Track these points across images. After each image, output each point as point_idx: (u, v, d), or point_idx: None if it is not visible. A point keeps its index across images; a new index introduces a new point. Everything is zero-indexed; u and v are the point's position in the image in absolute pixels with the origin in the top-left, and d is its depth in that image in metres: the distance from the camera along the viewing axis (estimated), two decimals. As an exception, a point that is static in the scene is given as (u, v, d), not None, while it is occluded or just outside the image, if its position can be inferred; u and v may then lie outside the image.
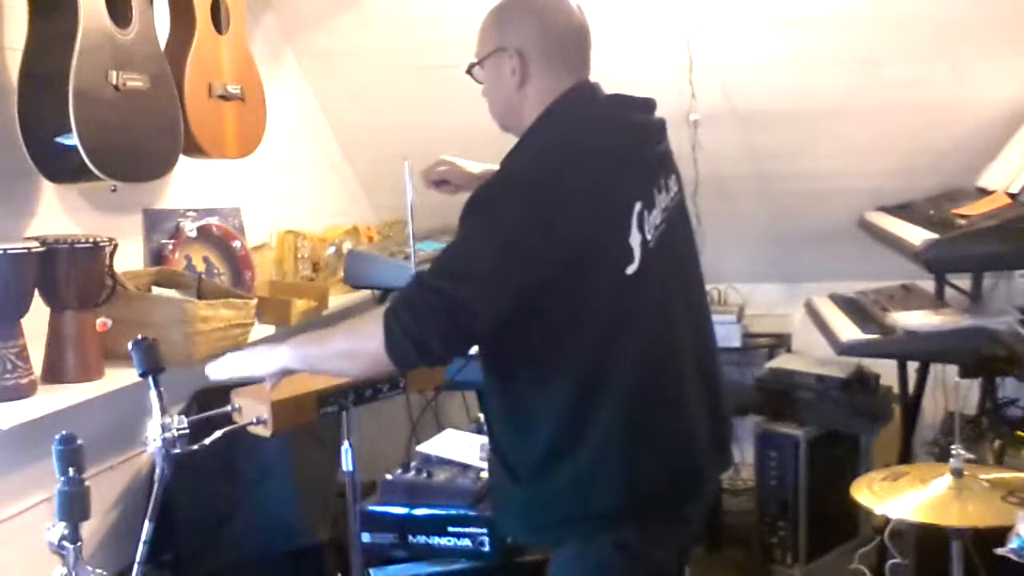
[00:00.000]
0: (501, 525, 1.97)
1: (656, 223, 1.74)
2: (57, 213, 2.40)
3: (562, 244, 1.61)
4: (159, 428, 1.66)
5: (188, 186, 2.85)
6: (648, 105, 1.86)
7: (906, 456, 3.29)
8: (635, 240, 1.68)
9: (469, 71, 1.90)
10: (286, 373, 1.77)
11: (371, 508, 2.29)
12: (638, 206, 1.70)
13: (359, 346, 1.68)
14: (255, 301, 2.65)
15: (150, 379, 1.67)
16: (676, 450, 1.74)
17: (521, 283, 1.61)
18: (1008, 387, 3.14)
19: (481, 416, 2.71)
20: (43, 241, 2.14)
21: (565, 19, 1.83)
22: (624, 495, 1.68)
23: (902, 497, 2.12)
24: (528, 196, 1.63)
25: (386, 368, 1.66)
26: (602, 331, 1.66)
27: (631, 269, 1.67)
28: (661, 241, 1.74)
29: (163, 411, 1.66)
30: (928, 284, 3.30)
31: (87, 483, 1.54)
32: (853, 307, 3.17)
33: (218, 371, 1.82)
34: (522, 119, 1.79)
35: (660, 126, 1.87)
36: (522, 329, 1.65)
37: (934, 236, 2.71)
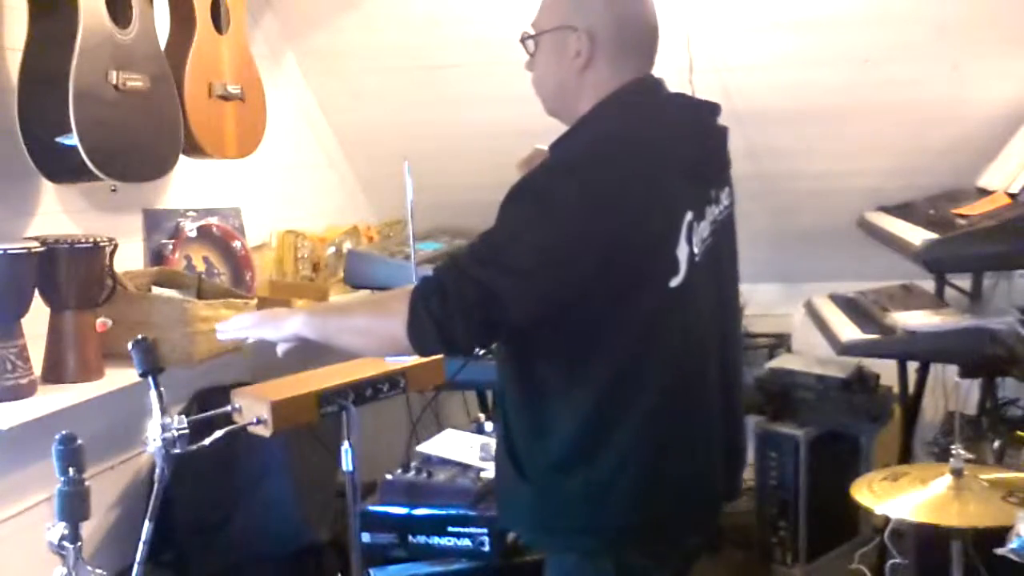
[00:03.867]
0: (504, 519, 1.92)
1: (704, 236, 1.65)
2: (57, 213, 2.40)
3: (609, 247, 1.52)
4: (159, 428, 1.66)
5: (188, 186, 2.85)
6: (713, 109, 1.76)
7: (906, 456, 3.29)
8: (683, 252, 1.59)
9: (522, 41, 1.77)
10: (299, 340, 1.70)
11: (371, 508, 2.29)
12: (689, 216, 1.60)
13: (379, 324, 1.62)
14: (255, 301, 2.65)
15: (150, 379, 1.67)
16: (693, 478, 1.67)
17: (561, 282, 1.53)
18: (1008, 387, 3.14)
19: (482, 416, 2.71)
20: (43, 241, 2.14)
21: (642, 8, 1.73)
22: (634, 514, 1.62)
23: (902, 497, 2.12)
24: (579, 190, 1.54)
25: (405, 351, 1.59)
26: (635, 343, 1.58)
27: (675, 282, 1.58)
28: (707, 256, 1.64)
29: (163, 411, 1.66)
30: (928, 284, 3.29)
31: (87, 483, 1.54)
32: (853, 307, 3.17)
33: (228, 330, 1.79)
34: (575, 105, 1.69)
35: (723, 134, 1.77)
36: (552, 328, 1.58)
37: (934, 236, 2.71)
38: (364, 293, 3.45)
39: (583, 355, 1.59)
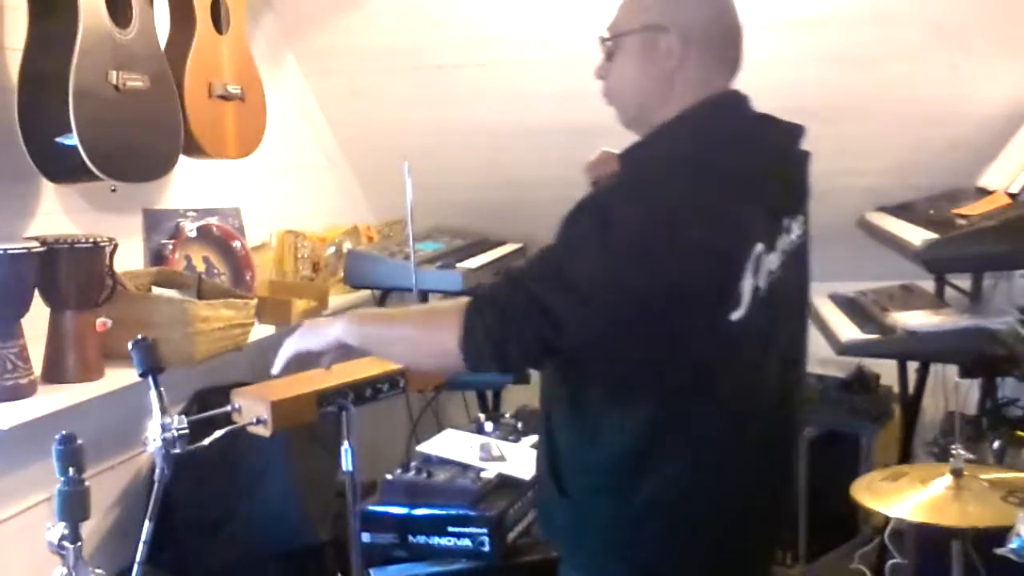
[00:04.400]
0: (544, 529, 1.82)
1: (772, 268, 1.54)
2: (57, 213, 2.40)
3: (671, 276, 1.44)
4: (159, 428, 1.65)
5: (188, 186, 2.85)
6: (797, 133, 1.65)
7: (906, 456, 3.29)
8: (747, 285, 1.49)
9: (603, 42, 1.63)
10: (342, 347, 1.64)
11: (371, 508, 2.29)
12: (758, 248, 1.50)
13: (430, 336, 1.55)
14: (255, 301, 2.65)
15: (150, 379, 1.67)
16: (735, 527, 1.58)
17: (618, 308, 1.45)
18: (1008, 387, 3.14)
19: (481, 416, 2.71)
20: (43, 241, 2.14)
21: (734, 11, 1.62)
22: (667, 554, 1.55)
23: (902, 497, 2.12)
24: (645, 214, 1.44)
25: (454, 365, 1.50)
26: (688, 375, 1.50)
27: (736, 315, 1.48)
28: (773, 289, 1.53)
29: (163, 411, 1.66)
30: (928, 284, 3.29)
31: (87, 483, 1.54)
32: (853, 307, 3.17)
33: (280, 360, 1.73)
34: (656, 112, 1.58)
35: (804, 160, 1.67)
36: (606, 350, 1.50)
37: (934, 236, 2.71)
38: (364, 293, 3.45)
39: (633, 382, 1.52)
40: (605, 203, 1.49)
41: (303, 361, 1.74)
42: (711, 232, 1.45)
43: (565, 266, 1.46)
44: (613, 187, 1.53)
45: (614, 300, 1.45)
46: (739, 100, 1.61)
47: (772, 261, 1.54)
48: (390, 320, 1.65)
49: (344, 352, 1.68)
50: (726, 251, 1.48)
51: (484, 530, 2.21)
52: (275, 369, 1.75)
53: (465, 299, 1.51)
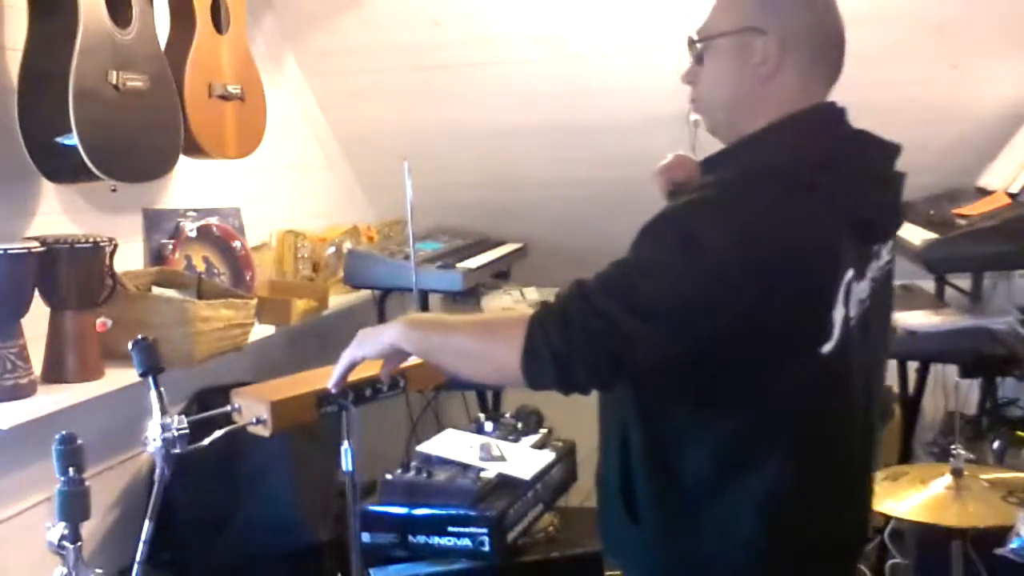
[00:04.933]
0: (611, 554, 1.71)
1: (862, 297, 1.45)
2: (57, 213, 2.39)
3: (756, 302, 1.33)
4: (159, 428, 1.65)
5: (188, 186, 2.85)
6: (893, 152, 1.54)
7: (906, 456, 3.29)
8: (838, 315, 1.39)
9: (692, 44, 1.53)
10: (396, 351, 1.58)
11: (371, 508, 2.29)
12: (849, 274, 1.41)
13: (490, 350, 1.45)
14: (255, 301, 2.65)
15: (150, 379, 1.67)
16: (821, 556, 1.52)
17: (697, 333, 1.35)
18: (1008, 387, 3.14)
19: (481, 416, 2.71)
20: (43, 241, 2.14)
21: (838, 13, 1.53)
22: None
23: (902, 497, 2.12)
24: (732, 234, 1.33)
25: (512, 383, 1.41)
26: (775, 407, 1.42)
27: (827, 348, 1.39)
28: (862, 319, 1.45)
29: (163, 411, 1.65)
30: (928, 284, 3.29)
31: (87, 483, 1.54)
32: (853, 307, 3.17)
33: (337, 376, 1.69)
34: (746, 121, 1.48)
35: (900, 181, 1.56)
36: (683, 375, 1.41)
37: (934, 236, 2.71)
38: (364, 293, 3.45)
39: (713, 410, 1.44)
40: (690, 221, 1.36)
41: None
42: (802, 258, 1.36)
43: (642, 284, 1.35)
44: (699, 203, 1.38)
45: (688, 323, 1.35)
46: (837, 114, 1.51)
47: (863, 289, 1.45)
48: (448, 328, 1.53)
49: (400, 358, 1.64)
50: (818, 278, 1.38)
51: (484, 530, 2.21)
52: (331, 382, 1.71)
53: (528, 311, 1.42)
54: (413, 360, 2.00)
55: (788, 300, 1.35)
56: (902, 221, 1.60)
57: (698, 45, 1.52)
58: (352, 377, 2.02)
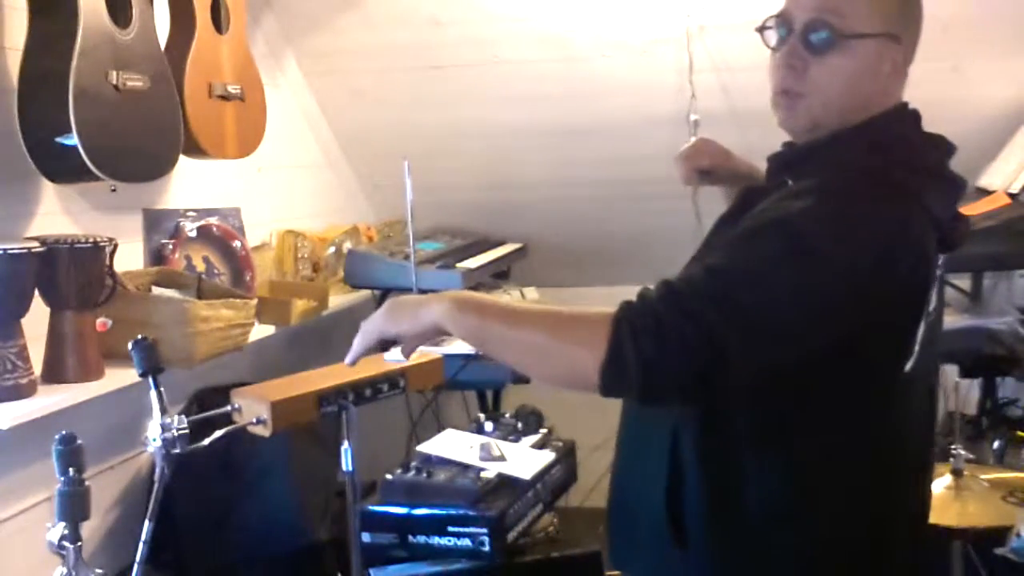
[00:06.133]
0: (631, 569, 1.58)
1: (930, 309, 1.38)
2: (57, 213, 2.40)
3: (872, 317, 1.25)
4: (159, 428, 1.65)
5: (188, 186, 2.85)
6: (953, 154, 1.47)
7: (906, 456, 3.29)
8: (920, 331, 1.33)
9: (819, 33, 1.37)
10: (436, 334, 1.41)
11: (371, 508, 2.29)
12: (931, 290, 1.35)
13: (565, 351, 1.29)
14: (255, 301, 2.65)
15: (150, 379, 1.67)
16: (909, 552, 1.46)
17: (799, 344, 1.25)
18: (1008, 387, 3.14)
19: (481, 416, 2.70)
20: (43, 241, 2.14)
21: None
22: None
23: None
24: (862, 247, 1.24)
25: (583, 387, 1.27)
26: (853, 428, 1.35)
27: (909, 366, 1.33)
28: (930, 329, 1.38)
29: (163, 411, 1.66)
30: (928, 284, 3.29)
31: (87, 483, 1.53)
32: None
33: (361, 344, 1.50)
34: (841, 121, 1.40)
35: (963, 187, 1.46)
36: (762, 393, 1.30)
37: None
38: (364, 293, 3.45)
39: (788, 428, 1.35)
40: (801, 228, 1.25)
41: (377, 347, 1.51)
42: (916, 273, 1.29)
43: (745, 294, 1.23)
44: (809, 212, 1.27)
45: (791, 334, 1.24)
46: (916, 117, 1.44)
47: (932, 300, 1.39)
48: (513, 317, 1.34)
49: (432, 336, 1.43)
50: (918, 291, 1.31)
51: (484, 530, 2.21)
52: (350, 357, 1.52)
53: (607, 311, 1.26)
54: (419, 358, 1.95)
55: (896, 317, 1.29)
56: (968, 230, 1.49)
57: (826, 36, 1.37)
58: (352, 377, 2.02)
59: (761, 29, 1.46)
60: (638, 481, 1.49)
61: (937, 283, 1.44)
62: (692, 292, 1.24)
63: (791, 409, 1.34)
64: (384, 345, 1.57)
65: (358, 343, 1.50)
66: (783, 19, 1.43)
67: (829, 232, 1.25)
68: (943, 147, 1.44)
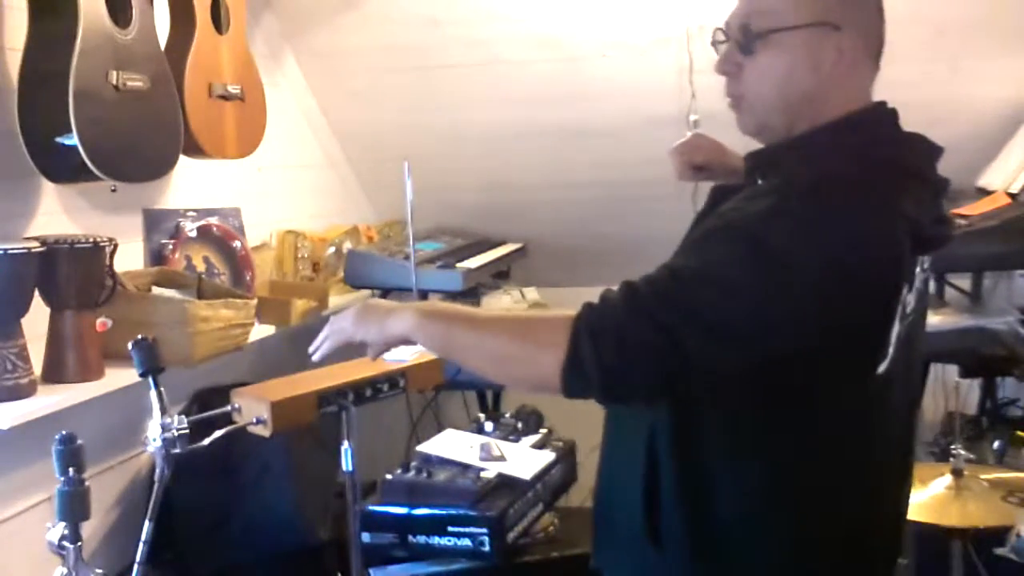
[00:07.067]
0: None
1: (909, 310, 1.36)
2: (57, 213, 2.39)
3: (837, 319, 1.24)
4: (159, 428, 1.65)
5: (188, 186, 2.85)
6: (938, 156, 1.46)
7: (906, 456, 3.29)
8: (894, 331, 1.31)
9: (742, 33, 1.37)
10: (405, 342, 1.43)
11: (371, 508, 2.29)
12: (905, 290, 1.32)
13: (527, 355, 1.30)
14: (255, 301, 2.65)
15: (150, 379, 1.67)
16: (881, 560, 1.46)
17: (760, 347, 1.24)
18: (1008, 387, 3.14)
19: (481, 416, 2.71)
20: (43, 241, 2.14)
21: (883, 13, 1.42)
22: None
23: (902, 497, 2.12)
24: (823, 248, 1.22)
25: (547, 390, 1.28)
26: (826, 430, 1.34)
27: (883, 367, 1.31)
28: (909, 331, 1.36)
29: (163, 411, 1.66)
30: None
31: (87, 483, 1.54)
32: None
33: (325, 341, 1.54)
34: (805, 121, 1.37)
35: (945, 187, 1.46)
36: (736, 395, 1.31)
37: (934, 236, 2.71)
38: (364, 293, 3.45)
39: (761, 430, 1.34)
40: (765, 231, 1.24)
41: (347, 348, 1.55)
42: (880, 274, 1.27)
43: (708, 297, 1.23)
44: (773, 212, 1.26)
45: (763, 345, 1.24)
46: (893, 116, 1.42)
47: (910, 301, 1.36)
48: (476, 325, 1.36)
49: (404, 345, 1.47)
50: (887, 291, 1.28)
51: (484, 530, 2.21)
52: (317, 355, 1.55)
53: (569, 314, 1.27)
54: (418, 359, 1.96)
55: (861, 318, 1.26)
56: (951, 231, 1.47)
57: (750, 34, 1.36)
58: (352, 377, 2.02)
59: (714, 43, 1.45)
60: (617, 482, 1.49)
61: (920, 284, 1.42)
62: (652, 293, 1.24)
63: (762, 410, 1.33)
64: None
65: (327, 344, 1.54)
66: (724, 30, 1.42)
67: (787, 234, 1.23)
68: (922, 147, 1.42)
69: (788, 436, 1.34)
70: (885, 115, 1.41)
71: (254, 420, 1.88)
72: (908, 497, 1.55)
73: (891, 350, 1.32)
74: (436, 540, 2.25)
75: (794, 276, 1.22)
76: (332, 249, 3.44)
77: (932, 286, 3.31)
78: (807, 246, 1.22)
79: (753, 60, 1.37)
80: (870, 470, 1.40)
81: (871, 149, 1.35)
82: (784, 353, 1.25)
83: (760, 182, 1.39)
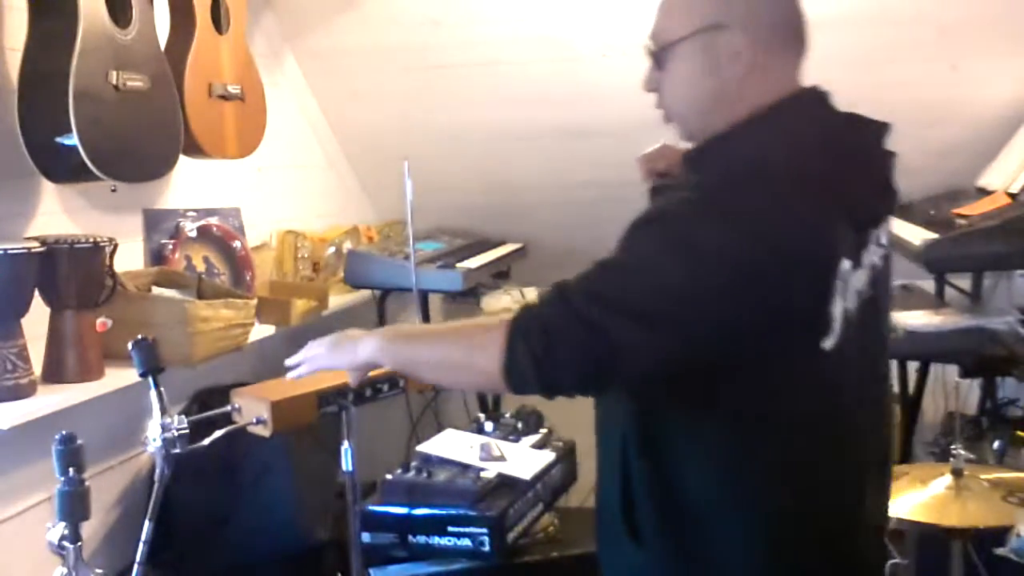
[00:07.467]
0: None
1: (860, 287, 1.39)
2: (57, 213, 2.40)
3: (752, 300, 1.28)
4: (159, 428, 1.65)
5: (188, 186, 2.85)
6: (883, 132, 1.50)
7: (906, 456, 3.29)
8: (837, 308, 1.33)
9: (651, 53, 1.46)
10: (373, 367, 1.57)
11: (371, 508, 2.29)
12: (846, 265, 1.34)
13: (470, 359, 1.41)
14: (255, 301, 2.65)
15: (150, 379, 1.67)
16: (855, 550, 1.46)
17: (688, 336, 1.30)
18: (1008, 387, 3.14)
19: (481, 416, 2.71)
20: (43, 241, 2.14)
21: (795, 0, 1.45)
22: None
23: (902, 497, 2.12)
24: (736, 228, 1.28)
25: (497, 389, 1.43)
26: (778, 411, 1.36)
27: (828, 343, 1.33)
28: (863, 309, 1.39)
29: (163, 411, 1.66)
30: (928, 284, 3.29)
31: (87, 483, 1.54)
32: (853, 307, 3.17)
33: (301, 367, 1.66)
34: (726, 118, 1.42)
35: (891, 161, 1.50)
36: (681, 382, 1.35)
37: (934, 236, 2.71)
38: (364, 293, 3.46)
39: (713, 415, 1.38)
40: (683, 222, 1.31)
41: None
42: (797, 250, 1.29)
43: (630, 287, 1.30)
44: (690, 203, 1.33)
45: (680, 327, 1.29)
46: (821, 97, 1.45)
47: (860, 279, 1.39)
48: (426, 339, 1.50)
49: (369, 368, 1.61)
50: (813, 271, 1.31)
51: (484, 530, 2.21)
52: (292, 375, 1.68)
53: (508, 315, 1.37)
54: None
55: (785, 298, 1.30)
56: (896, 202, 1.53)
57: (656, 51, 1.46)
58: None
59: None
60: (603, 482, 1.54)
61: (879, 261, 1.45)
62: (580, 289, 1.32)
63: (712, 394, 1.36)
64: None
65: (304, 370, 1.66)
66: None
67: (701, 221, 1.30)
68: (857, 125, 1.46)
69: (740, 419, 1.37)
70: (812, 97, 1.45)
71: (254, 420, 1.88)
72: (886, 509, 1.57)
73: (837, 327, 1.34)
74: (436, 540, 2.25)
75: (708, 261, 1.28)
76: (332, 249, 3.44)
77: (932, 286, 3.32)
78: (717, 233, 1.28)
79: (666, 74, 1.46)
80: (837, 467, 1.42)
81: (797, 133, 1.39)
82: (713, 336, 1.30)
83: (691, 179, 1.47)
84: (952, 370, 3.00)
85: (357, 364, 1.57)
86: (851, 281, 1.36)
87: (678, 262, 1.29)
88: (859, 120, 1.47)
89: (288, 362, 1.69)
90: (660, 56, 1.45)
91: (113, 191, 2.29)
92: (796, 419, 1.37)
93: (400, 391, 2.09)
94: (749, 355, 1.33)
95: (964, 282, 3.36)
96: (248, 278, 2.93)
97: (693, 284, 1.28)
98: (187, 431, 1.67)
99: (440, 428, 2.82)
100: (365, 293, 3.47)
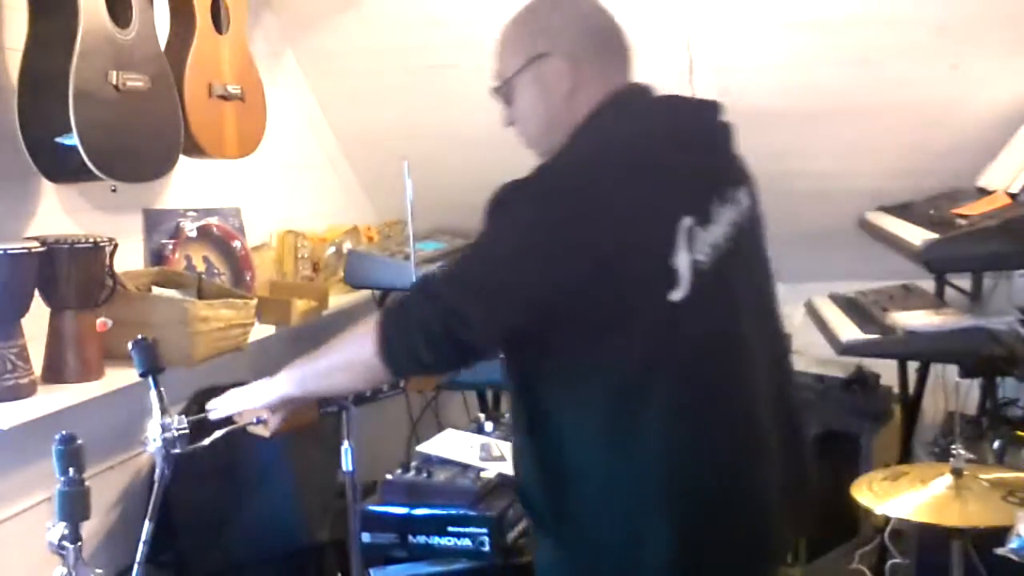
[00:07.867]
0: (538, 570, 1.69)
1: (714, 241, 1.52)
2: (57, 213, 2.39)
3: (582, 262, 1.43)
4: (159, 428, 1.65)
5: (188, 186, 2.85)
6: (712, 108, 1.66)
7: (906, 456, 3.29)
8: (682, 261, 1.46)
9: (498, 92, 1.67)
10: (287, 401, 1.70)
11: (371, 508, 2.29)
12: (687, 222, 1.48)
13: (352, 356, 1.56)
14: (255, 301, 2.65)
15: (150, 379, 1.67)
16: (738, 516, 1.51)
17: (527, 301, 1.45)
18: (1008, 387, 3.14)
19: (481, 416, 2.71)
20: (43, 241, 2.14)
21: (602, 13, 1.66)
22: (672, 570, 1.46)
23: (902, 497, 2.12)
24: (546, 200, 1.47)
25: (383, 376, 1.54)
26: (637, 367, 1.46)
27: (677, 295, 1.45)
28: (722, 263, 1.52)
29: (163, 411, 1.66)
30: (928, 284, 3.29)
31: (87, 483, 1.54)
32: (853, 307, 3.17)
33: (220, 409, 1.76)
34: (564, 133, 1.60)
35: (724, 132, 1.66)
36: (540, 350, 1.49)
37: (934, 236, 2.71)
38: (364, 293, 3.45)
39: (579, 381, 1.49)
40: (510, 199, 1.50)
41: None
42: (621, 213, 1.46)
43: (469, 261, 1.51)
44: (519, 182, 1.52)
45: (517, 294, 1.46)
46: (641, 89, 1.65)
47: (714, 234, 1.52)
48: (315, 357, 1.64)
49: (289, 406, 1.72)
50: (643, 229, 1.47)
51: (484, 530, 2.22)
52: (213, 415, 1.76)
53: (374, 317, 1.53)
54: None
55: (611, 255, 1.43)
56: (740, 166, 1.67)
57: (502, 91, 1.65)
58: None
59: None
60: (519, 475, 1.66)
61: (739, 218, 1.58)
62: (438, 276, 1.50)
63: (572, 352, 1.48)
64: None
65: (223, 410, 1.76)
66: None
67: (531, 199, 1.49)
68: (677, 105, 1.68)
69: (602, 381, 1.47)
70: (631, 89, 1.64)
71: (254, 420, 1.88)
72: (775, 486, 1.57)
73: (685, 279, 1.46)
74: (436, 540, 2.25)
75: (529, 233, 1.46)
76: (332, 249, 3.44)
77: (932, 286, 3.32)
78: (539, 206, 1.47)
79: (514, 108, 1.67)
80: (711, 412, 1.49)
81: (618, 120, 1.57)
82: (558, 298, 1.44)
83: None
84: (952, 370, 3.01)
85: (269, 402, 1.70)
86: (700, 237, 1.50)
87: (502, 234, 1.48)
88: (679, 99, 1.69)
89: (209, 405, 1.77)
90: (504, 92, 1.66)
91: (113, 191, 2.28)
92: (659, 370, 1.46)
93: (400, 391, 2.10)
94: (597, 312, 1.45)
95: (964, 282, 3.35)
96: (248, 278, 2.93)
97: (520, 252, 1.45)
98: (187, 431, 1.67)
99: (440, 428, 2.82)
100: (365, 293, 3.47)
